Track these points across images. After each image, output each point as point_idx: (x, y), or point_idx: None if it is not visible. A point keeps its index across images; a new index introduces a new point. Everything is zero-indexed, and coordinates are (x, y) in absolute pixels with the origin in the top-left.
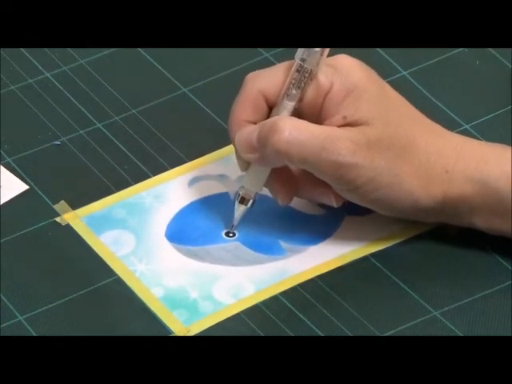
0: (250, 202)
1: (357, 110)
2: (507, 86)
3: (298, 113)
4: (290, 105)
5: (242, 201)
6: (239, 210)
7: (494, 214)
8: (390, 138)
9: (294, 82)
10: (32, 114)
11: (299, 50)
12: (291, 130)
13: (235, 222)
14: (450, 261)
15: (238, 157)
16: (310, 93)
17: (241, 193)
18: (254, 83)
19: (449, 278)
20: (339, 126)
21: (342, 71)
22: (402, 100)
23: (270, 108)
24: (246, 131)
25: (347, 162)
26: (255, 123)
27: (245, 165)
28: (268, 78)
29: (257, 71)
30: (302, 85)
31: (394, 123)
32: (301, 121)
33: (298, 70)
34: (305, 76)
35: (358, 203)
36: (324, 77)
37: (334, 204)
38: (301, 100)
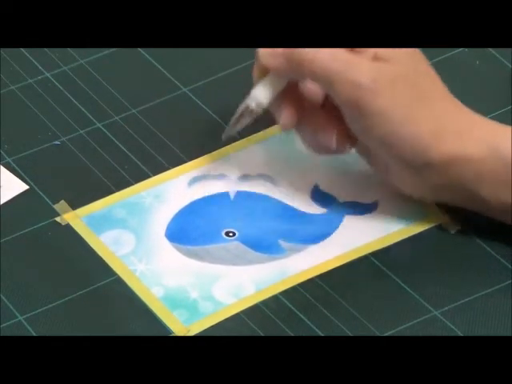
0: (253, 115)
1: (389, 49)
2: (507, 86)
3: None
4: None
5: (246, 111)
6: (245, 121)
7: (502, 183)
8: (412, 83)
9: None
10: (32, 114)
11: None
12: (318, 50)
13: (231, 132)
14: (450, 261)
15: (256, 66)
16: None
17: (248, 102)
18: None
19: (449, 277)
20: None
21: None
22: (428, 64)
23: None
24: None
25: (367, 85)
26: None
27: (260, 74)
28: None
29: None
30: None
31: (420, 71)
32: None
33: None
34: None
35: (363, 140)
36: None
37: (334, 145)
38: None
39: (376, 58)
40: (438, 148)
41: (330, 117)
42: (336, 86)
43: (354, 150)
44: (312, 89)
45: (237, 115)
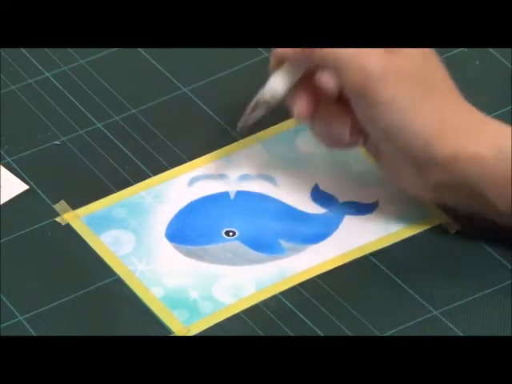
0: (269, 106)
1: None
2: (507, 86)
3: None
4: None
5: (261, 103)
6: (252, 113)
7: (506, 183)
8: (421, 77)
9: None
10: (32, 114)
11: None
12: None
13: (245, 123)
14: (450, 261)
15: (273, 56)
16: None
17: (264, 92)
18: None
19: (449, 277)
20: None
21: None
22: (439, 61)
23: None
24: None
25: (376, 72)
26: None
27: (276, 65)
28: None
29: None
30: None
31: (428, 69)
32: None
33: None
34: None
35: (369, 130)
36: None
37: (346, 137)
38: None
39: (387, 51)
40: (442, 144)
41: (344, 110)
42: (345, 71)
43: (354, 150)
44: (327, 80)
45: (252, 105)
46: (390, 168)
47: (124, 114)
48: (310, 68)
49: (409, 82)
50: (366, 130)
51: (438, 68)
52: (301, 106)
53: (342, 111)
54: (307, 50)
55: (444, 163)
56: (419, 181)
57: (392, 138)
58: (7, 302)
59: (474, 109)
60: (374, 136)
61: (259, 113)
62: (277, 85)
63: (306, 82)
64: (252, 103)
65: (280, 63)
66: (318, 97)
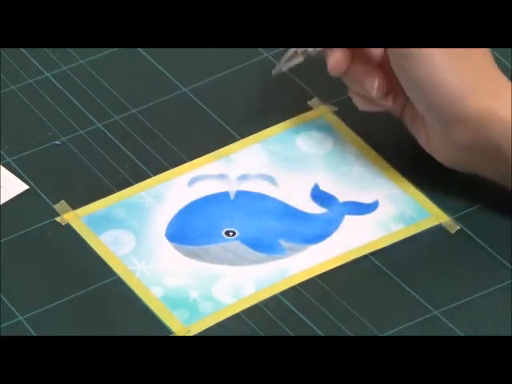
0: (302, 58)
1: None
2: None
3: None
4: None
5: (297, 52)
6: (289, 61)
7: None
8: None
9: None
10: (32, 114)
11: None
12: None
13: (283, 68)
14: (450, 261)
15: None
16: None
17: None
18: None
19: (449, 277)
20: None
21: None
22: None
23: None
24: None
25: None
26: None
27: None
28: None
29: None
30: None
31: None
32: None
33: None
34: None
35: (405, 82)
36: None
37: (374, 89)
38: None
39: None
40: (474, 102)
41: (375, 67)
42: None
43: (354, 150)
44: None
45: (290, 52)
46: (418, 129)
47: (124, 114)
48: None
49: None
50: (401, 81)
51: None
52: (336, 59)
53: (373, 68)
54: None
55: (473, 122)
56: (447, 141)
57: (425, 92)
58: (7, 302)
59: (504, 77)
60: (407, 89)
61: (297, 60)
62: None
63: None
64: (290, 51)
65: None
66: (352, 52)
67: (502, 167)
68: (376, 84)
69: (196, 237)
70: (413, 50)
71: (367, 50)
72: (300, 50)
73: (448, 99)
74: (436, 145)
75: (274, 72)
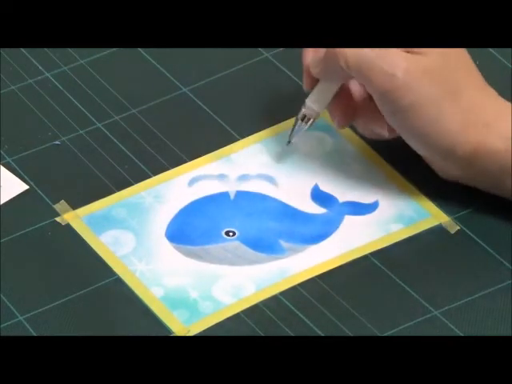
0: (310, 121)
1: None
2: (507, 86)
3: None
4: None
5: (303, 118)
6: (300, 127)
7: None
8: (444, 76)
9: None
10: (32, 114)
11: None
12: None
13: (292, 138)
14: (450, 261)
15: (306, 75)
16: None
17: (303, 110)
18: None
19: (449, 277)
20: None
21: None
22: (463, 50)
23: None
24: (318, 51)
25: (398, 76)
26: None
27: (310, 84)
28: None
29: None
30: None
31: (451, 65)
32: None
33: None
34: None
35: (401, 132)
36: None
37: (386, 134)
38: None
39: (409, 51)
40: (465, 142)
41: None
42: (367, 77)
43: (354, 150)
44: (355, 89)
45: (295, 124)
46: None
47: (124, 114)
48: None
49: (431, 84)
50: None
51: (461, 61)
52: (339, 116)
53: (378, 111)
54: (331, 61)
55: (466, 160)
56: (443, 172)
57: (417, 139)
58: (7, 302)
59: (495, 99)
60: (400, 135)
61: (302, 128)
62: (316, 103)
63: (342, 90)
64: (298, 123)
65: (313, 80)
66: (355, 102)
67: (500, 189)
68: (386, 128)
69: (196, 237)
70: (400, 103)
71: (352, 91)
72: (305, 117)
73: (440, 145)
74: (436, 168)
75: (290, 143)
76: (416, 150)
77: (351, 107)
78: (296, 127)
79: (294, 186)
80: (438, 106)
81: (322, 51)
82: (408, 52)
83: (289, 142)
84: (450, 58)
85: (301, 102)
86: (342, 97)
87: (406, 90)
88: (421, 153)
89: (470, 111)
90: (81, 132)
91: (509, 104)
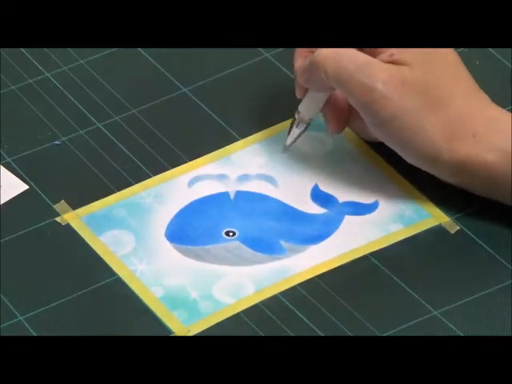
0: (304, 126)
1: (404, 50)
2: (507, 86)
3: None
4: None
5: (297, 125)
6: (294, 133)
7: None
8: (426, 86)
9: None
10: (32, 114)
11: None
12: (333, 49)
13: (288, 143)
14: (450, 261)
15: (297, 83)
16: None
17: (296, 117)
18: None
19: (449, 277)
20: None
21: None
22: (455, 57)
23: None
24: (306, 59)
25: (377, 88)
26: None
27: (302, 91)
28: None
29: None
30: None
31: (436, 74)
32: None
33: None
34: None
35: (385, 142)
36: None
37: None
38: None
39: (392, 60)
40: (451, 151)
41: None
42: (348, 86)
43: (353, 153)
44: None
45: (290, 130)
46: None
47: (124, 114)
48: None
49: (412, 95)
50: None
51: (448, 72)
52: (332, 122)
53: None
54: (314, 70)
55: (453, 169)
56: (437, 176)
57: (400, 149)
58: (7, 302)
59: (484, 105)
60: (387, 145)
61: (296, 133)
62: (309, 110)
63: (334, 96)
64: (293, 129)
65: (304, 88)
66: (348, 108)
67: (492, 195)
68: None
69: (196, 237)
70: (381, 116)
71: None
72: (298, 123)
73: (425, 154)
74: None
75: (282, 151)
76: (405, 158)
77: (344, 113)
78: (291, 133)
79: (293, 186)
80: (419, 116)
81: (308, 60)
82: (391, 62)
83: (284, 147)
84: (435, 67)
85: (301, 102)
86: (335, 103)
87: (386, 101)
88: (408, 161)
89: (457, 121)
90: (81, 132)
91: (501, 112)
